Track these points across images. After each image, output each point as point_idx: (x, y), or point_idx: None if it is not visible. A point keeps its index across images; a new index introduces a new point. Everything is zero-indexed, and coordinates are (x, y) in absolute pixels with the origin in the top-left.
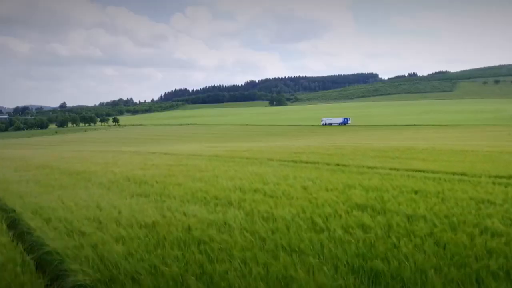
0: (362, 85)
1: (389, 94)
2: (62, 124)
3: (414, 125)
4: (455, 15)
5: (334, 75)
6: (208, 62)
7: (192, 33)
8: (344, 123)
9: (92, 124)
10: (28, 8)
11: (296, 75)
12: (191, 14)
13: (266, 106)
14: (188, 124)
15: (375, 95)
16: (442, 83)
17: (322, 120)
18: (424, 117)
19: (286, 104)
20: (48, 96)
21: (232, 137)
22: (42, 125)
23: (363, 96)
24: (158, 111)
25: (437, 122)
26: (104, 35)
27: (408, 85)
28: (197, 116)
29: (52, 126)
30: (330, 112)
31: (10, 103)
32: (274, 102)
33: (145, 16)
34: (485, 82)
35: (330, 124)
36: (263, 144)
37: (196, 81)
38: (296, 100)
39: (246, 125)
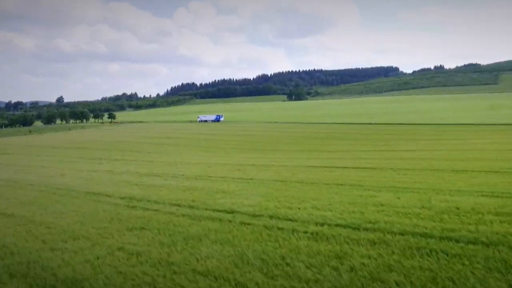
0: (388, 78)
1: (422, 87)
2: (49, 120)
3: None
4: (477, 5)
5: (352, 69)
6: (213, 58)
7: (196, 29)
8: (217, 120)
9: (84, 120)
10: (31, 4)
11: (300, 70)
12: (195, 9)
13: (284, 100)
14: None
15: (407, 89)
16: (480, 76)
17: (199, 117)
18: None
19: (306, 99)
20: (52, 92)
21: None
22: (25, 122)
23: (392, 90)
24: (163, 106)
25: None
26: (108, 31)
27: (443, 78)
28: (208, 111)
29: (38, 123)
30: (364, 106)
31: (13, 98)
32: (293, 96)
33: (148, 11)
34: None
35: (206, 121)
36: None
37: (202, 77)
38: (317, 94)
39: (276, 122)
